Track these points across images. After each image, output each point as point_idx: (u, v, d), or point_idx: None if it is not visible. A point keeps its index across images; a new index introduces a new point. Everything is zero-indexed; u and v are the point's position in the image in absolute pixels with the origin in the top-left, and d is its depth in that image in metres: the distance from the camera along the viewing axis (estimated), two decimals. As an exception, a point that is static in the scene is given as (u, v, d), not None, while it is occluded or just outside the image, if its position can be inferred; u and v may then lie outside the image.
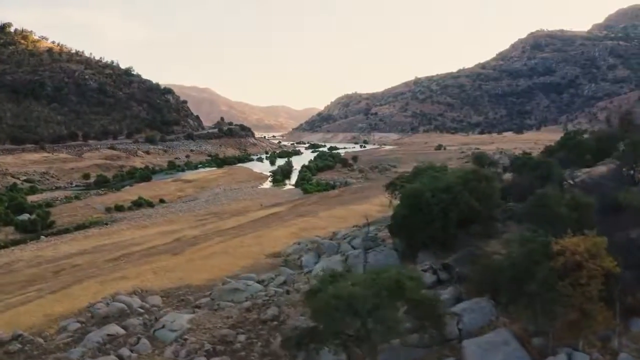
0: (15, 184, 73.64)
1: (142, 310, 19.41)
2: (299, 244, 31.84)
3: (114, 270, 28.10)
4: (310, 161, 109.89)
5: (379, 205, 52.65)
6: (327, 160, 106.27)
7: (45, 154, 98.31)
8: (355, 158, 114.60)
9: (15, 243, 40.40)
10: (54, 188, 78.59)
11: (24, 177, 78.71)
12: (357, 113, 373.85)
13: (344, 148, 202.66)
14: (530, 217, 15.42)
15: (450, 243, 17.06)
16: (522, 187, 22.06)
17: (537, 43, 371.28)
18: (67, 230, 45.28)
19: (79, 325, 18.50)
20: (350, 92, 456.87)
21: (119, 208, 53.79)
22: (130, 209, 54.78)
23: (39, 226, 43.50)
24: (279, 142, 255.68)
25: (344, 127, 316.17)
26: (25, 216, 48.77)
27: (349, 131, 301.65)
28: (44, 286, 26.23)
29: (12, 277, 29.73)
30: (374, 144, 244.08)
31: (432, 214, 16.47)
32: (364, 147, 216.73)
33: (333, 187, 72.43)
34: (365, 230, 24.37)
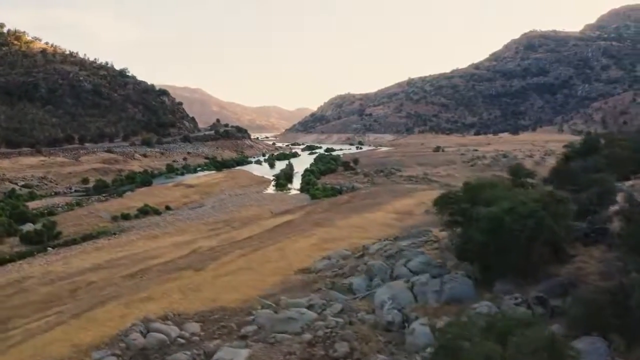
0: (13, 190, 71.56)
1: (182, 341, 17.74)
2: (329, 258, 30.38)
3: (136, 289, 26.38)
4: (312, 164, 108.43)
5: (393, 212, 51.40)
6: (329, 164, 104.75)
7: (42, 158, 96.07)
8: (356, 161, 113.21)
9: (21, 256, 38.56)
10: (52, 193, 76.58)
11: (22, 183, 76.61)
12: (350, 114, 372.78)
13: (340, 149, 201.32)
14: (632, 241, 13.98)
15: (531, 271, 15.68)
16: (580, 205, 20.71)
17: (531, 43, 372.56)
18: (74, 241, 43.46)
19: (115, 359, 16.89)
20: (343, 93, 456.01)
21: (125, 216, 51.98)
22: (136, 217, 53.00)
23: (45, 237, 41.66)
24: (274, 144, 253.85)
25: (338, 128, 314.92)
26: (29, 226, 46.93)
27: (343, 132, 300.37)
28: (63, 308, 24.55)
29: (25, 297, 28.02)
30: (370, 145, 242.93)
31: (516, 240, 15.03)
32: (360, 148, 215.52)
33: (340, 192, 71.00)
34: (416, 249, 22.72)
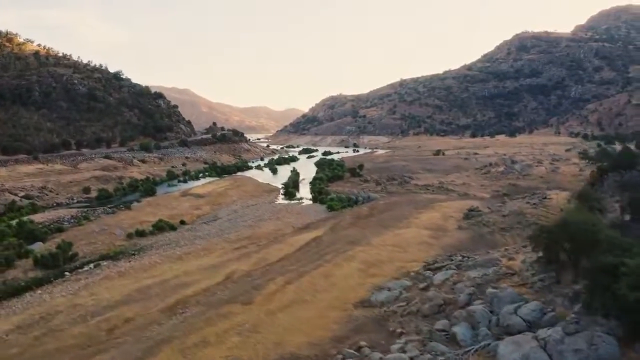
0: (14, 202, 68.05)
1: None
2: (388, 289, 27.91)
3: (183, 330, 23.60)
4: (318, 171, 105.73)
5: (424, 228, 49.06)
6: (336, 170, 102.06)
7: (40, 166, 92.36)
8: (361, 166, 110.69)
9: (37, 283, 35.42)
10: (54, 204, 73.14)
11: (22, 193, 73.01)
12: (342, 115, 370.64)
13: (337, 152, 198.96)
14: None
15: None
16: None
17: (523, 44, 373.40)
18: (90, 263, 40.43)
19: None
20: (335, 94, 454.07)
21: (140, 233, 48.88)
22: (152, 233, 49.91)
23: (60, 260, 38.52)
24: (268, 146, 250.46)
25: (332, 129, 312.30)
26: (39, 245, 43.82)
27: (337, 134, 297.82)
28: (107, 358, 21.70)
29: (57, 340, 25.00)
30: (365, 148, 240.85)
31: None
32: (357, 151, 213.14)
33: (355, 202, 68.50)
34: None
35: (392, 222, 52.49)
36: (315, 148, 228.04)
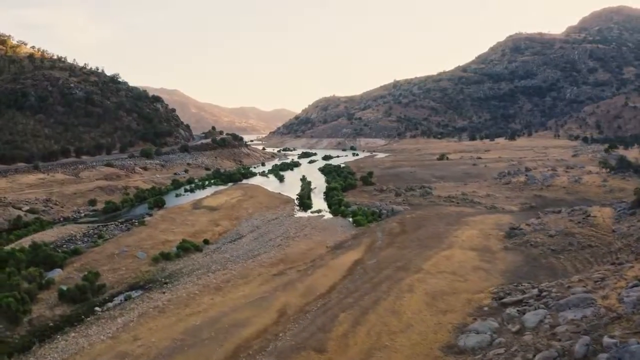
0: (19, 217, 64.20)
1: None
2: (476, 332, 25.05)
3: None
4: (328, 179, 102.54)
5: (469, 249, 46.35)
6: (348, 178, 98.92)
7: (41, 175, 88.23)
8: (371, 174, 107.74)
9: (67, 321, 31.85)
10: (61, 219, 69.32)
11: (27, 207, 69.05)
12: (336, 116, 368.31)
13: (338, 156, 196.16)
14: None
15: None
16: None
17: (517, 46, 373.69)
18: (118, 293, 36.94)
19: None
20: (327, 95, 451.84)
21: (165, 256, 45.23)
22: (177, 255, 46.33)
23: (89, 293, 34.95)
24: (264, 148, 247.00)
25: (328, 132, 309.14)
26: (58, 273, 40.10)
27: (333, 136, 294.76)
28: None
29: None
30: (363, 151, 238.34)
31: None
32: (357, 155, 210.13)
33: (379, 215, 65.47)
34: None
35: (431, 241, 49.61)
36: (313, 152, 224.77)
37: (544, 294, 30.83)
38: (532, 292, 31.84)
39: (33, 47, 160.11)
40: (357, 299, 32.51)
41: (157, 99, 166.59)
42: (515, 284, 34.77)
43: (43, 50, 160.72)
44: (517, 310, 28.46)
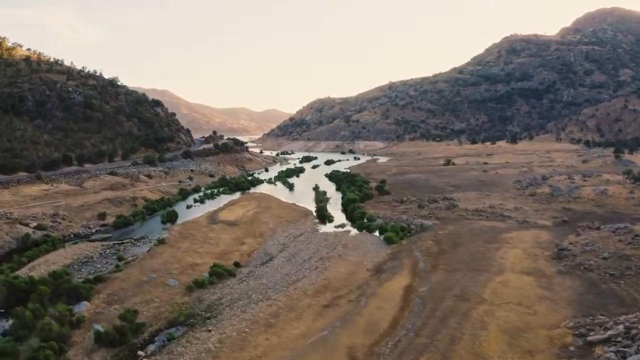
0: (27, 235, 60.28)
1: None
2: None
3: None
4: (344, 189, 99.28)
5: (521, 273, 44.10)
6: (363, 188, 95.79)
7: (45, 186, 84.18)
8: (383, 181, 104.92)
9: (110, 370, 28.50)
10: (71, 235, 65.54)
11: (34, 223, 65.18)
12: (331, 118, 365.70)
13: (339, 161, 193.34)
14: None
15: None
16: None
17: (512, 48, 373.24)
18: (158, 332, 33.53)
19: None
20: (322, 96, 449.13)
21: (200, 284, 41.79)
22: (211, 282, 42.90)
23: (128, 335, 31.50)
24: (261, 151, 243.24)
25: (326, 134, 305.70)
26: (85, 306, 36.55)
27: (331, 139, 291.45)
28: None
29: None
30: (363, 154, 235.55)
31: None
32: (358, 158, 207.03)
33: (409, 230, 62.48)
34: None
35: (477, 263, 46.78)
36: (313, 155, 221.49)
37: (634, 332, 28.34)
38: (618, 329, 29.35)
39: (29, 49, 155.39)
40: (430, 339, 29.52)
41: (157, 103, 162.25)
42: (590, 317, 32.17)
43: (39, 53, 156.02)
44: (614, 353, 25.79)
